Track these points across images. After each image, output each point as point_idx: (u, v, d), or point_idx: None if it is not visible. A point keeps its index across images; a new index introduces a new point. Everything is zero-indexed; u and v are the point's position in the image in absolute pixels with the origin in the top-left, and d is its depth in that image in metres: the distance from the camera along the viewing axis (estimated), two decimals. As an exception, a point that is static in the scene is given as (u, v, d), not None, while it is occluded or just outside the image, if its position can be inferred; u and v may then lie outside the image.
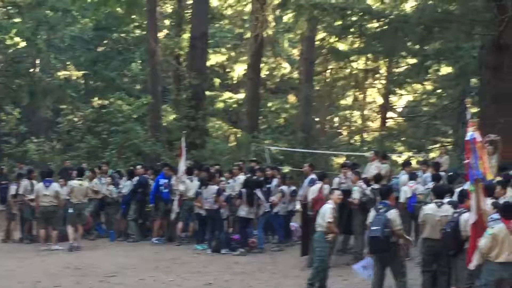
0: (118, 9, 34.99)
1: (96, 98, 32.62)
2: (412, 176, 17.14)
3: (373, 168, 18.31)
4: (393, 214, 11.43)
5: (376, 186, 15.48)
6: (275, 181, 19.28)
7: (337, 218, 13.62)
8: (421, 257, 12.53)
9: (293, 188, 18.89)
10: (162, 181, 19.67)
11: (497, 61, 23.29)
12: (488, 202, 11.05)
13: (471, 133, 10.49)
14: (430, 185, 15.42)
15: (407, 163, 19.34)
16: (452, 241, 11.01)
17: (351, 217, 16.19)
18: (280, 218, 18.76)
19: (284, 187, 18.78)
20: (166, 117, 33.64)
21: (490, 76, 23.70)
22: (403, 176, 17.72)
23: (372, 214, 11.81)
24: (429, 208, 11.93)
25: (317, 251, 12.94)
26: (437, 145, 32.68)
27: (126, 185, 20.36)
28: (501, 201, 11.38)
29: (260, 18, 30.75)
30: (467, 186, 10.92)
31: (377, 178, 16.33)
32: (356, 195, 15.99)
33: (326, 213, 12.76)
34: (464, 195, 11.13)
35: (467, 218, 10.55)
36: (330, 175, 18.92)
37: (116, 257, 17.17)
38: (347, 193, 15.79)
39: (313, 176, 17.55)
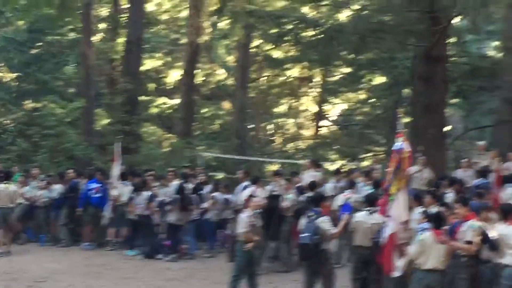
0: (51, 11, 34.39)
1: (28, 101, 31.99)
2: (351, 184, 17.26)
3: (308, 176, 18.45)
4: (323, 222, 11.47)
5: (311, 194, 15.56)
6: (208, 188, 19.24)
7: (266, 225, 13.63)
8: (351, 264, 12.62)
9: (228, 196, 18.84)
10: (92, 185, 19.43)
11: (430, 72, 23.72)
12: (417, 211, 11.25)
13: (400, 143, 10.65)
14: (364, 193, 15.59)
15: (338, 171, 19.56)
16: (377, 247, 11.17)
17: (281, 223, 16.25)
18: (212, 225, 18.72)
19: (216, 194, 18.74)
20: (100, 121, 33.18)
21: (422, 86, 24.09)
22: (329, 185, 17.91)
23: (303, 221, 11.85)
24: (360, 216, 12.03)
25: (235, 260, 13.02)
26: (370, 154, 33.02)
27: (55, 189, 20.02)
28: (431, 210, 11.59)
29: (195, 24, 30.69)
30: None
31: (312, 186, 16.43)
32: (287, 203, 16.05)
33: (242, 222, 12.78)
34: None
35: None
36: (263, 182, 18.95)
37: (46, 262, 16.89)
38: (276, 199, 15.90)
39: (247, 182, 17.59)
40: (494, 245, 10.14)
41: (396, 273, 10.38)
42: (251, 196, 14.08)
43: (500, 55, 30.95)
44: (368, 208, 12.04)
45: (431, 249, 9.90)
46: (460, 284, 10.46)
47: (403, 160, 10.53)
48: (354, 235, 12.08)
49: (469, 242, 10.24)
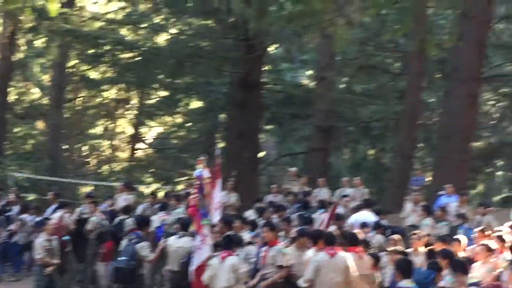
0: None
1: None
2: (163, 207, 17.16)
3: (121, 199, 18.19)
4: (142, 246, 11.36)
5: (124, 217, 15.36)
6: (16, 209, 18.51)
7: (74, 248, 13.32)
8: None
9: (38, 218, 18.19)
10: None
11: (245, 98, 24.25)
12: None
13: (200, 170, 10.84)
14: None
15: (153, 194, 19.49)
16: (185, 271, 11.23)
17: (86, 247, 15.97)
18: (19, 247, 17.98)
19: (24, 216, 18.05)
20: None
21: (237, 112, 24.60)
22: (142, 206, 17.79)
23: (124, 243, 11.72)
24: (171, 240, 12.01)
25: (35, 284, 12.67)
26: (185, 178, 33.13)
27: None
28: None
29: (10, 41, 29.62)
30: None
31: (126, 210, 16.25)
32: (89, 226, 15.78)
33: (38, 247, 12.48)
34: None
35: None
36: (76, 204, 18.53)
37: None
38: (84, 222, 15.67)
39: (57, 204, 17.11)
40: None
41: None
42: (46, 219, 13.76)
43: (313, 84, 32.24)
44: (180, 232, 12.02)
45: (220, 271, 10.05)
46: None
47: (205, 186, 10.72)
48: (167, 259, 12.03)
49: (281, 267, 10.49)
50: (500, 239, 11.72)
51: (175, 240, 11.86)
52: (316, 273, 9.93)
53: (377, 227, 14.38)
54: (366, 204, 16.38)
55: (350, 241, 10.90)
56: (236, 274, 10.06)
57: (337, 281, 9.87)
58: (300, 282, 10.25)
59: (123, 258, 11.31)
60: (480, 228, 13.22)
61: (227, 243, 10.44)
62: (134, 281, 11.29)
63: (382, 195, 29.66)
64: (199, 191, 10.80)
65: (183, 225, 12.16)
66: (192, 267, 11.01)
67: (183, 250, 11.63)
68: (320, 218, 15.13)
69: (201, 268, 10.58)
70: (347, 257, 10.10)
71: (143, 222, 12.23)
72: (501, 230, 12.71)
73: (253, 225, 13.46)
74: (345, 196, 18.72)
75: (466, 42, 21.83)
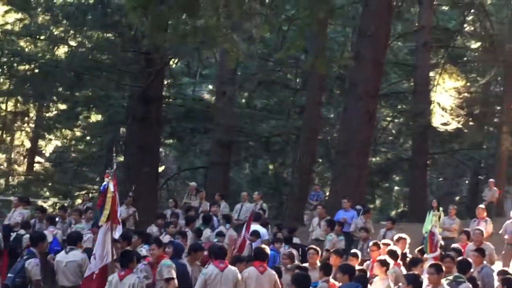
0: None
1: None
2: (52, 221, 16.79)
3: (16, 214, 17.74)
4: (31, 264, 11.05)
5: (22, 232, 14.99)
6: None
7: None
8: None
9: None
10: None
11: (144, 112, 24.11)
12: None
13: (105, 183, 10.69)
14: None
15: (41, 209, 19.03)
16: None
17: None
18: None
19: None
20: None
21: (137, 126, 24.41)
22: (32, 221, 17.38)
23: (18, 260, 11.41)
24: (59, 255, 11.76)
25: None
26: (84, 192, 32.59)
27: None
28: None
29: None
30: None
31: (24, 225, 15.90)
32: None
33: None
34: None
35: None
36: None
37: None
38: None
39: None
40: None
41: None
42: None
43: (213, 98, 32.31)
44: (68, 247, 11.76)
45: None
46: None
47: (108, 200, 10.54)
48: (57, 275, 11.75)
49: (167, 280, 10.40)
50: (392, 254, 11.98)
51: (63, 256, 11.60)
52: (205, 286, 9.96)
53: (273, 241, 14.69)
54: (254, 218, 16.51)
55: (255, 255, 10.94)
56: None
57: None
58: None
59: (11, 275, 10.99)
60: (373, 242, 13.50)
61: (124, 260, 10.30)
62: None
63: (282, 209, 30.00)
64: (102, 204, 10.62)
65: (71, 239, 11.92)
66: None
67: (75, 264, 11.39)
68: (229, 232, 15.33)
69: (90, 278, 10.41)
70: (237, 272, 10.15)
71: (36, 238, 11.87)
72: (389, 244, 13.01)
73: (157, 242, 13.37)
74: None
75: (363, 59, 22.38)
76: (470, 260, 11.18)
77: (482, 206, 18.69)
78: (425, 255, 11.76)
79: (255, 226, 15.68)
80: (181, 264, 11.04)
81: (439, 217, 12.62)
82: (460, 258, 11.30)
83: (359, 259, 12.52)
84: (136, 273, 10.33)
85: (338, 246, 15.06)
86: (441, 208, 15.74)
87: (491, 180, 23.97)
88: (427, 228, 11.80)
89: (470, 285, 10.07)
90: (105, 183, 10.70)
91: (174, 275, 10.40)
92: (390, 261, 11.60)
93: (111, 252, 10.54)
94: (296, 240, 15.80)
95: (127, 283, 9.94)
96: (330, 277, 10.87)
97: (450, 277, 10.42)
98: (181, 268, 10.86)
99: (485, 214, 17.78)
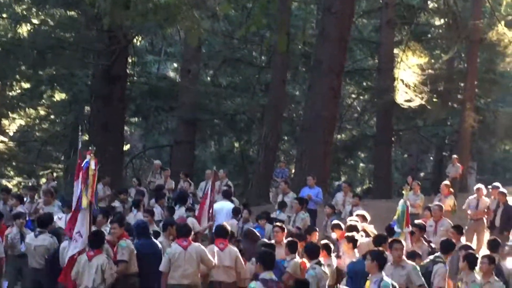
0: None
1: None
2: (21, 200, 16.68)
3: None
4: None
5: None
6: None
7: None
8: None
9: None
10: None
11: (108, 90, 23.93)
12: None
13: (87, 160, 10.55)
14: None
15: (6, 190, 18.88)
16: (50, 268, 10.97)
17: None
18: None
19: None
20: None
21: (100, 105, 24.23)
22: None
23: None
24: (29, 238, 11.70)
25: None
26: (48, 171, 32.33)
27: None
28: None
29: None
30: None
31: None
32: None
33: None
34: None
35: (65, 246, 10.61)
36: None
37: None
38: None
39: None
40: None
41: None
42: None
43: (178, 76, 32.18)
44: (38, 230, 11.68)
45: (86, 271, 9.89)
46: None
47: (91, 178, 10.42)
48: (28, 256, 11.67)
49: (120, 261, 10.32)
50: (352, 229, 12.06)
51: (33, 238, 11.54)
52: (169, 265, 9.97)
53: (235, 213, 14.96)
54: (224, 194, 16.56)
55: (216, 233, 10.96)
56: (102, 274, 9.91)
57: (190, 272, 9.90)
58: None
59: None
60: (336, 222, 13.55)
61: (94, 240, 10.24)
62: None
63: (247, 187, 30.05)
64: (84, 182, 10.48)
65: (42, 223, 11.85)
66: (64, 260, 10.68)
67: (43, 248, 11.34)
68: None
69: (70, 262, 10.31)
70: (201, 249, 10.14)
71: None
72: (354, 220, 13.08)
73: (119, 221, 13.33)
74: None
75: (328, 36, 22.43)
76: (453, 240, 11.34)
77: (446, 182, 18.89)
78: (399, 229, 11.71)
79: (223, 202, 15.77)
80: (148, 243, 10.96)
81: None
82: (444, 238, 11.45)
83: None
84: (104, 254, 10.28)
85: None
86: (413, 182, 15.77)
87: (455, 156, 24.20)
88: (403, 205, 11.79)
89: (446, 268, 10.15)
90: (86, 160, 10.53)
91: (126, 258, 10.36)
92: (359, 237, 11.67)
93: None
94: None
95: (95, 264, 9.92)
96: (296, 254, 11.00)
97: (431, 257, 10.58)
98: (148, 247, 10.79)
99: (448, 190, 17.98)
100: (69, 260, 10.34)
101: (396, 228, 11.70)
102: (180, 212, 15.18)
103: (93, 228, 10.81)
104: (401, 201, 11.84)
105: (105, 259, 10.09)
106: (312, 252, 10.21)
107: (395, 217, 11.88)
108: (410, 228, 12.10)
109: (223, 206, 15.40)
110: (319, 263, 10.00)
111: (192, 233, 10.83)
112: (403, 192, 12.33)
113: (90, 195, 10.47)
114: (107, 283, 10.02)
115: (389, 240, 10.73)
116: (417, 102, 25.51)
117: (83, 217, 10.44)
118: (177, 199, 16.59)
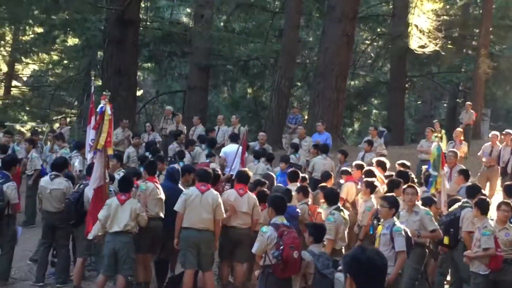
0: None
1: None
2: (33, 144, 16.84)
3: (-6, 137, 17.76)
4: (10, 187, 11.06)
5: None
6: None
7: None
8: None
9: None
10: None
11: (121, 35, 23.85)
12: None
13: (102, 105, 10.55)
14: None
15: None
16: (74, 211, 11.02)
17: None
18: None
19: None
20: None
21: (114, 50, 24.19)
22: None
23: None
24: (43, 181, 11.73)
25: None
26: (61, 116, 32.51)
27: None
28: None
29: None
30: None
31: (2, 148, 15.90)
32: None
33: None
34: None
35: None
36: None
37: None
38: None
39: None
40: None
41: (90, 236, 10.32)
42: None
43: (191, 21, 32.00)
44: (52, 173, 11.71)
45: (117, 213, 9.96)
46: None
47: (106, 122, 10.40)
48: (42, 200, 11.73)
49: None
50: (369, 174, 12.07)
51: (48, 182, 11.58)
52: (185, 206, 10.00)
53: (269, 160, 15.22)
54: (233, 138, 16.68)
55: (237, 178, 10.98)
56: (135, 218, 10.04)
57: (204, 217, 9.95)
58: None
59: (-11, 198, 10.94)
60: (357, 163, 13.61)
61: (125, 185, 10.28)
62: (2, 220, 11.01)
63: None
64: (99, 126, 10.49)
65: (57, 166, 11.88)
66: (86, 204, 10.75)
67: (59, 192, 11.40)
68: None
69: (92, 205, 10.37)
70: (217, 197, 10.12)
71: (7, 162, 11.79)
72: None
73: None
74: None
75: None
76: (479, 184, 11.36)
77: (459, 129, 18.86)
78: (436, 172, 11.66)
79: (232, 146, 15.86)
80: (171, 188, 11.06)
81: (441, 138, 12.61)
82: (471, 183, 11.48)
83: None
84: (134, 198, 10.38)
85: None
86: (443, 131, 15.81)
87: (468, 103, 24.09)
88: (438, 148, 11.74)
89: (473, 210, 10.11)
90: (101, 105, 10.53)
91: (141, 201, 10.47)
92: (378, 184, 11.67)
93: (103, 176, 10.50)
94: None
95: (128, 207, 10.00)
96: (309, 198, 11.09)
97: (459, 203, 10.59)
98: (171, 191, 10.88)
99: (462, 136, 17.96)
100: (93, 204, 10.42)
101: (432, 171, 11.67)
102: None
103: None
104: (434, 145, 11.80)
105: (137, 203, 10.16)
106: (331, 197, 10.26)
107: (431, 160, 11.85)
108: (446, 170, 12.13)
109: (233, 149, 15.47)
110: (338, 209, 10.03)
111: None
112: (435, 137, 12.33)
113: (106, 139, 10.48)
114: (140, 225, 10.14)
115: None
116: (431, 48, 25.30)
117: (98, 161, 10.50)
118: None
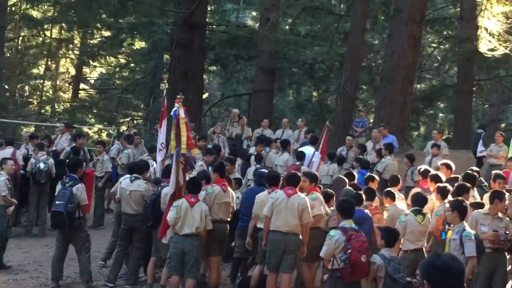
0: None
1: None
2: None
3: (63, 140, 18.05)
4: (79, 189, 11.18)
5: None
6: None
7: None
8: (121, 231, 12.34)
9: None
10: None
11: (188, 39, 24.08)
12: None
13: (175, 109, 10.63)
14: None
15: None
16: (151, 212, 11.16)
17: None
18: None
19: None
20: None
21: (180, 53, 24.42)
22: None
23: (58, 187, 11.44)
24: (124, 183, 11.84)
25: None
26: (128, 119, 33.02)
27: None
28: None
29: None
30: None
31: (75, 151, 16.22)
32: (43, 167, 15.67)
33: (0, 186, 12.33)
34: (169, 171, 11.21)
35: (167, 192, 10.77)
36: (18, 144, 18.37)
37: None
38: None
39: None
40: None
41: (164, 240, 10.40)
42: (5, 159, 13.50)
43: (257, 25, 32.09)
44: (132, 176, 11.82)
45: (187, 215, 10.03)
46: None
47: (182, 126, 10.46)
48: (121, 202, 11.84)
49: None
50: (435, 179, 11.83)
51: (128, 184, 11.70)
52: (272, 209, 10.04)
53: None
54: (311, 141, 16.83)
55: (287, 180, 10.94)
56: (205, 220, 10.12)
57: (290, 221, 9.94)
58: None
59: (61, 202, 11.04)
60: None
61: (194, 187, 10.41)
62: (72, 224, 11.11)
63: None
64: (176, 131, 10.61)
65: (138, 169, 12.01)
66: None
67: (138, 194, 11.54)
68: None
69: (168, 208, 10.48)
70: (304, 201, 10.06)
71: (72, 164, 11.87)
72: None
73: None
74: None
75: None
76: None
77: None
78: None
79: (308, 148, 16.03)
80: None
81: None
82: None
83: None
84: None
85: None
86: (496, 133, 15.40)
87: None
88: None
89: None
90: (175, 108, 10.63)
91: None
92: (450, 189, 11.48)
93: (183, 178, 10.58)
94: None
95: (198, 210, 10.12)
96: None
97: None
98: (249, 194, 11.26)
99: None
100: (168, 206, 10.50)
101: None
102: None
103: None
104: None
105: (205, 205, 10.28)
106: (419, 200, 10.33)
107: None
108: None
109: (310, 152, 15.62)
110: (416, 211, 10.10)
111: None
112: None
113: (187, 143, 10.55)
114: (207, 228, 10.22)
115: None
116: (500, 51, 24.85)
117: (175, 164, 10.58)
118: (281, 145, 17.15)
